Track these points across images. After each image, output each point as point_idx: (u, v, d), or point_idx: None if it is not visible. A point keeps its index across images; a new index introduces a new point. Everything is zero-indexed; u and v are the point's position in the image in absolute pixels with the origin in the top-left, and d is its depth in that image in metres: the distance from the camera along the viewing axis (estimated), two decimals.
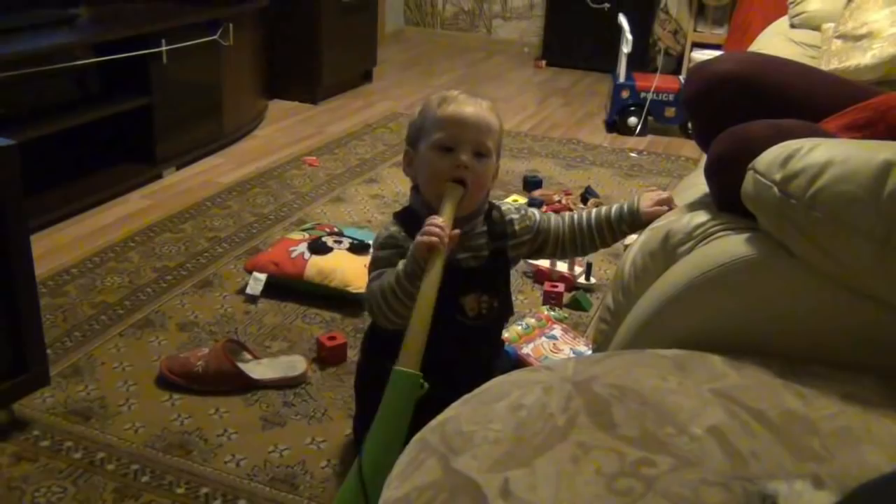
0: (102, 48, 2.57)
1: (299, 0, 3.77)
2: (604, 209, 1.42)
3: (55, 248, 2.31)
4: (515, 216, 1.40)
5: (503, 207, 1.41)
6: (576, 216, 1.43)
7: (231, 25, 3.05)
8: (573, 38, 4.98)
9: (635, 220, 1.38)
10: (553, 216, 1.44)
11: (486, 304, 1.36)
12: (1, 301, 1.45)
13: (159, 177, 2.86)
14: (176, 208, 2.61)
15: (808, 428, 0.84)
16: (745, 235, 1.04)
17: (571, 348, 1.86)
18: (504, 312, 1.41)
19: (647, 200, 1.38)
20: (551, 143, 3.54)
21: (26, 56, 2.27)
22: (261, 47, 3.53)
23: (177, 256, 2.29)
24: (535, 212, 1.43)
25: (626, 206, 1.40)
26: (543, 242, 1.42)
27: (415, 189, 1.35)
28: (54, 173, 2.66)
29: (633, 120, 3.68)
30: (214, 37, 2.97)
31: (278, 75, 3.86)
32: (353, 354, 1.85)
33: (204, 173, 2.95)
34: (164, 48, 2.71)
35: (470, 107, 1.30)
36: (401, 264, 1.24)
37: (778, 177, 0.95)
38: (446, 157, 1.27)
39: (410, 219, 1.32)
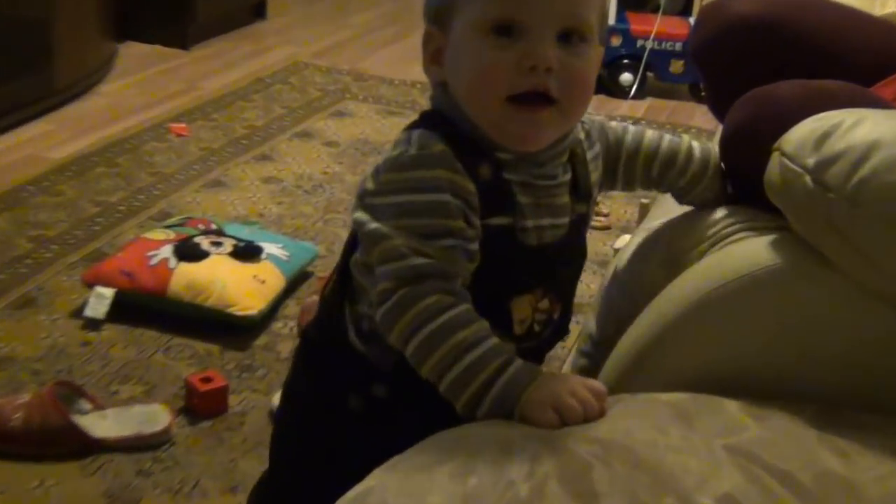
0: None
1: None
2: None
3: None
4: (590, 149, 1.15)
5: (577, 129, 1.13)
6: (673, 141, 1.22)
7: None
8: None
9: None
10: (632, 130, 1.22)
11: (543, 313, 1.11)
12: None
13: None
14: None
15: (851, 494, 0.87)
16: (770, 237, 1.08)
17: None
18: (563, 328, 1.18)
19: None
20: None
21: None
22: None
23: None
24: (603, 126, 1.19)
25: None
26: (615, 172, 1.21)
27: (442, 87, 1.08)
28: None
29: (626, 77, 3.75)
30: None
31: (133, 7, 3.82)
32: (235, 401, 1.85)
33: (25, 146, 2.91)
34: None
35: None
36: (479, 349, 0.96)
37: (811, 161, 0.99)
38: (507, 47, 0.98)
39: (459, 137, 1.03)
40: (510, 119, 1.01)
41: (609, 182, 1.21)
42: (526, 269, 1.08)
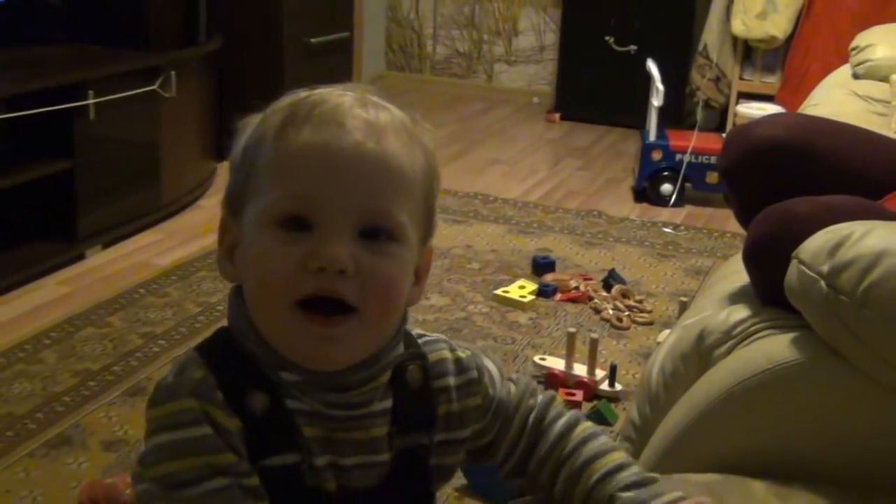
0: (16, 102, 2.64)
1: (258, 42, 3.91)
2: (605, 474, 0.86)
3: None
4: (452, 374, 0.88)
5: (431, 352, 0.88)
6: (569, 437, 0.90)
7: (173, 73, 3.16)
8: (593, 87, 5.13)
9: None
10: (536, 397, 0.93)
11: None
12: None
13: (81, 257, 2.91)
14: (101, 297, 2.65)
15: None
16: (792, 335, 1.11)
17: None
18: None
19: None
20: (566, 215, 3.64)
21: None
22: (210, 98, 3.64)
23: (102, 357, 2.32)
24: (492, 368, 0.92)
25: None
26: (499, 436, 0.91)
27: (237, 290, 0.84)
28: None
29: (666, 187, 3.79)
30: (153, 87, 3.08)
31: (230, 132, 3.93)
32: None
33: (137, 253, 3.01)
34: (91, 101, 2.80)
35: (350, 122, 0.78)
36: None
37: (825, 268, 1.03)
38: (296, 241, 0.77)
39: (232, 360, 0.81)
40: (299, 330, 0.77)
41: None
42: None
